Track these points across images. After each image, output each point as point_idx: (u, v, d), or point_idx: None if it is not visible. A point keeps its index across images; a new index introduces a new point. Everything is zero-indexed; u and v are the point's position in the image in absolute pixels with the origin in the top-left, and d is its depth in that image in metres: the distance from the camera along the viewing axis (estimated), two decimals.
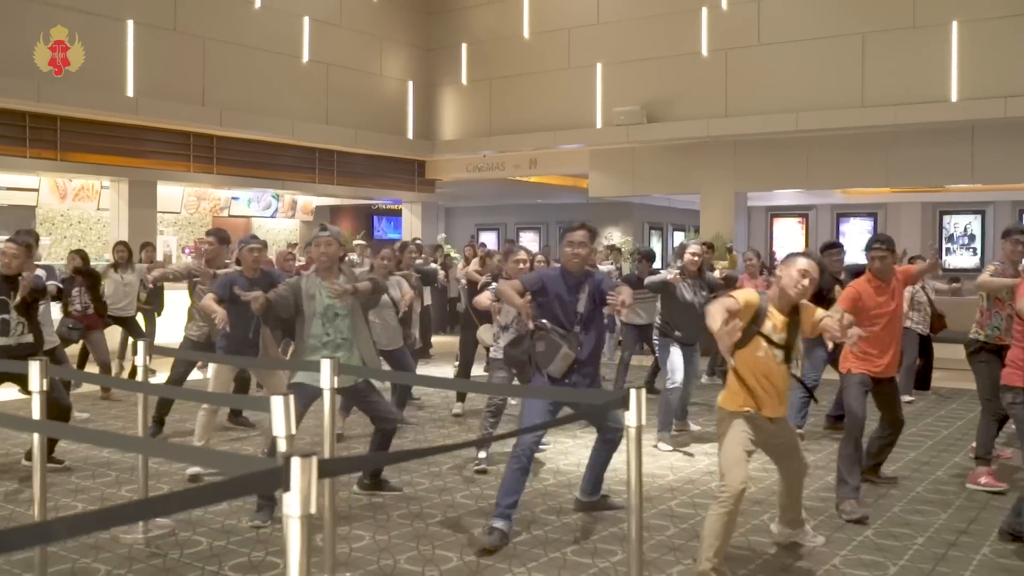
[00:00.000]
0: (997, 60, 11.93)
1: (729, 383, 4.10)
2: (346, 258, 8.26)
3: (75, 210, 15.84)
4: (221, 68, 13.57)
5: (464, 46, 16.61)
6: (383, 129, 16.27)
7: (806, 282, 3.98)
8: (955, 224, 19.36)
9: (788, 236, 21.14)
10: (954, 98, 12.25)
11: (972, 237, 18.96)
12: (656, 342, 7.13)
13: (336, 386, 4.33)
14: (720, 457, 4.04)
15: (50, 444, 6.07)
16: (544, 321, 4.84)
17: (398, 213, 20.56)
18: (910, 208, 18.93)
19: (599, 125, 14.94)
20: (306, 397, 4.91)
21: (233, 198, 18.35)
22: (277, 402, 3.18)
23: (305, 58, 14.88)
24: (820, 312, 4.18)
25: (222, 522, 4.86)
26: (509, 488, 4.65)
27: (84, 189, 15.43)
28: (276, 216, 19.56)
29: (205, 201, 17.79)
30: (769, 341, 4.05)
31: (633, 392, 3.48)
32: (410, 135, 16.85)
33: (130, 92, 12.44)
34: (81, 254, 9.09)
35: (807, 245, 20.86)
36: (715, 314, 3.85)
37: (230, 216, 18.68)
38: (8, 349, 5.90)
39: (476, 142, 16.60)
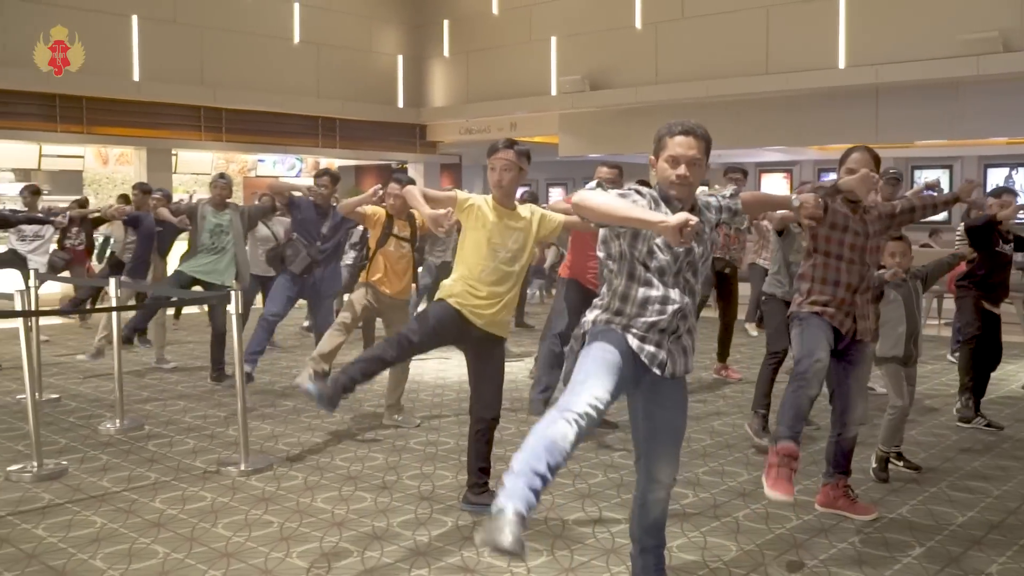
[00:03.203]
0: (875, 30, 13.24)
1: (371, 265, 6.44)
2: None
3: (117, 173, 18.56)
4: (217, 52, 15.91)
5: (446, 22, 18.59)
6: (373, 100, 18.40)
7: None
8: (926, 177, 20.42)
9: (775, 190, 22.50)
10: (841, 65, 13.61)
11: (941, 191, 20.02)
12: None
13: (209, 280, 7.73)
14: (346, 306, 6.45)
15: None
16: (295, 234, 7.57)
17: None
18: (883, 163, 20.13)
19: (553, 93, 16.75)
20: (181, 280, 7.97)
21: (259, 160, 20.88)
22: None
23: (296, 40, 17.11)
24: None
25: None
26: (255, 341, 7.45)
27: (124, 155, 18.10)
28: (301, 176, 22.02)
29: (234, 164, 20.35)
30: (398, 238, 6.40)
31: (233, 293, 5.60)
32: (400, 104, 18.95)
33: (136, 77, 14.92)
34: (80, 202, 11.92)
35: None
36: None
37: (257, 176, 21.21)
38: None
39: (458, 109, 18.62)
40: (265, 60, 16.59)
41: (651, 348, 3.34)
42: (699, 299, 3.62)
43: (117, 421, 6.57)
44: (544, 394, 6.75)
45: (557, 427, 2.98)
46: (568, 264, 6.88)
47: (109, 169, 18.39)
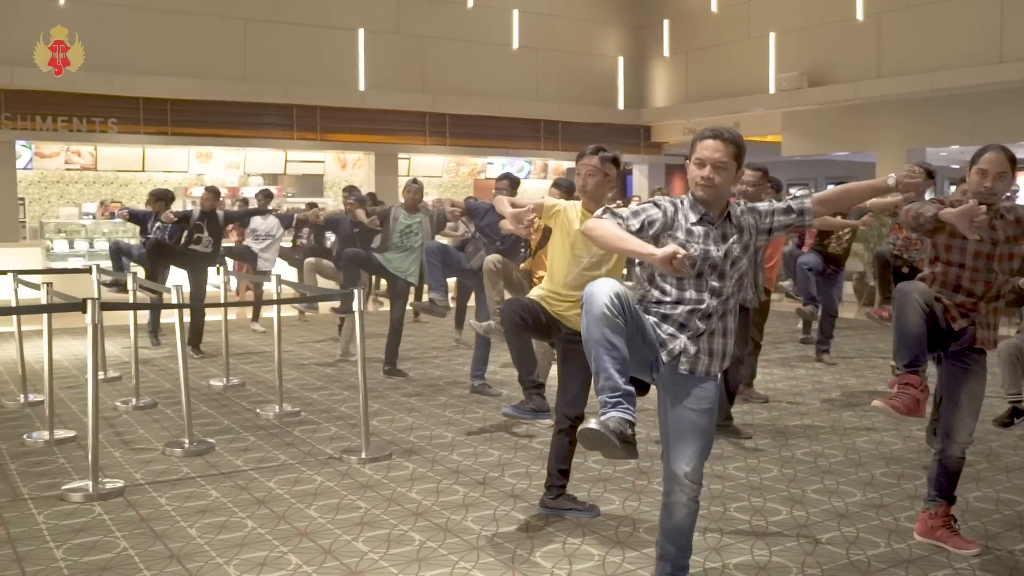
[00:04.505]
0: None
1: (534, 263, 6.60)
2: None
3: (354, 177, 19.87)
4: (438, 60, 16.74)
5: (666, 22, 18.48)
6: (592, 102, 18.61)
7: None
8: None
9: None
10: None
11: None
12: None
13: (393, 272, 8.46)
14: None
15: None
16: (477, 234, 7.94)
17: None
18: None
19: (771, 91, 16.24)
20: (371, 257, 8.70)
21: (488, 163, 21.63)
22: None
23: (515, 45, 17.62)
24: None
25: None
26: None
27: (360, 160, 19.38)
28: (529, 177, 22.58)
29: (464, 167, 21.22)
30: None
31: (356, 291, 5.95)
32: (620, 106, 19.03)
33: (361, 87, 15.97)
34: (311, 205, 12.99)
35: None
36: None
37: (486, 179, 22.00)
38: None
39: (678, 109, 18.49)
40: (484, 66, 17.24)
41: (663, 335, 3.40)
42: (734, 302, 3.51)
43: (276, 407, 7.14)
44: None
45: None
46: None
47: (347, 173, 19.70)
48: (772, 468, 5.69)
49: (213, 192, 9.84)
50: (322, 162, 19.10)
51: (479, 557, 4.21)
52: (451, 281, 9.99)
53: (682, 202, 3.46)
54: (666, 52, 18.70)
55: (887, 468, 5.70)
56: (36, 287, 6.69)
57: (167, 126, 15.06)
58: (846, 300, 13.22)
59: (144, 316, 11.04)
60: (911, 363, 4.13)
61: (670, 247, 3.09)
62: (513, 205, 4.90)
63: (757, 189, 6.41)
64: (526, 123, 18.44)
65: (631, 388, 3.06)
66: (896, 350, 4.22)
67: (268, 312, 12.33)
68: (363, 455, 5.84)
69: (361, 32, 16.02)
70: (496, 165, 21.75)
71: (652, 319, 3.40)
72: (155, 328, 10.58)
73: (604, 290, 3.08)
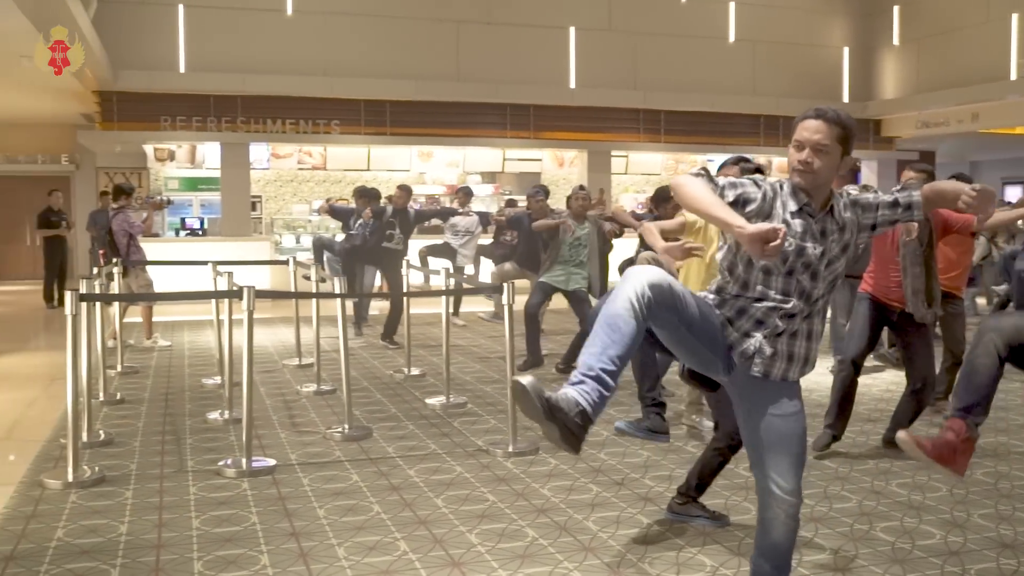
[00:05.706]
0: None
1: None
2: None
3: (571, 174, 20.00)
4: (649, 56, 16.53)
5: (896, 8, 17.34)
6: (813, 95, 17.73)
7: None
8: None
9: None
10: None
11: None
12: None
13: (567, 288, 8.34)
14: None
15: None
16: (642, 250, 7.56)
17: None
18: None
19: (1012, 77, 14.89)
20: (545, 290, 8.62)
21: (708, 160, 21.13)
22: None
23: (731, 38, 17.10)
24: None
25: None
26: None
27: (578, 157, 19.48)
28: None
29: (683, 163, 20.86)
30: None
31: (506, 286, 5.97)
32: (845, 99, 18.04)
33: (572, 84, 16.05)
34: (510, 203, 13.26)
35: None
36: None
37: None
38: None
39: (908, 100, 17.32)
40: (698, 60, 16.89)
41: (736, 334, 3.11)
42: (823, 303, 3.21)
43: (443, 397, 7.30)
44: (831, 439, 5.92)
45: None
46: (869, 274, 6.15)
47: (564, 171, 19.86)
48: (940, 487, 5.20)
49: (405, 190, 10.18)
50: (539, 160, 19.35)
51: (585, 558, 4.10)
52: None
53: (781, 187, 3.12)
54: (895, 40, 17.56)
55: None
56: (219, 275, 7.17)
57: (386, 127, 15.77)
58: None
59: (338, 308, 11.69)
60: (964, 408, 3.64)
61: (764, 224, 2.74)
62: (662, 230, 4.71)
63: None
64: (744, 118, 17.87)
65: (610, 381, 2.67)
66: (955, 388, 3.74)
67: (468, 306, 12.69)
68: (509, 448, 5.85)
69: (572, 30, 16.11)
70: (716, 162, 21.21)
71: (723, 315, 3.13)
72: (359, 319, 11.08)
73: (641, 280, 2.75)
